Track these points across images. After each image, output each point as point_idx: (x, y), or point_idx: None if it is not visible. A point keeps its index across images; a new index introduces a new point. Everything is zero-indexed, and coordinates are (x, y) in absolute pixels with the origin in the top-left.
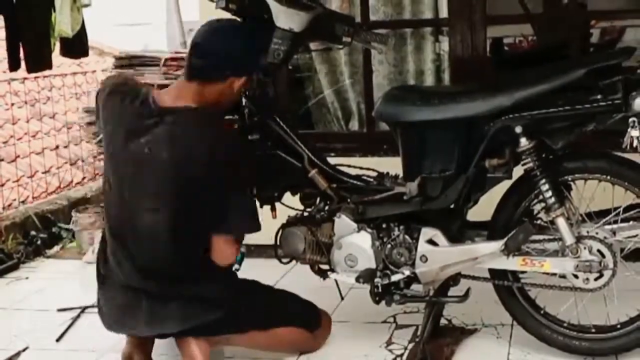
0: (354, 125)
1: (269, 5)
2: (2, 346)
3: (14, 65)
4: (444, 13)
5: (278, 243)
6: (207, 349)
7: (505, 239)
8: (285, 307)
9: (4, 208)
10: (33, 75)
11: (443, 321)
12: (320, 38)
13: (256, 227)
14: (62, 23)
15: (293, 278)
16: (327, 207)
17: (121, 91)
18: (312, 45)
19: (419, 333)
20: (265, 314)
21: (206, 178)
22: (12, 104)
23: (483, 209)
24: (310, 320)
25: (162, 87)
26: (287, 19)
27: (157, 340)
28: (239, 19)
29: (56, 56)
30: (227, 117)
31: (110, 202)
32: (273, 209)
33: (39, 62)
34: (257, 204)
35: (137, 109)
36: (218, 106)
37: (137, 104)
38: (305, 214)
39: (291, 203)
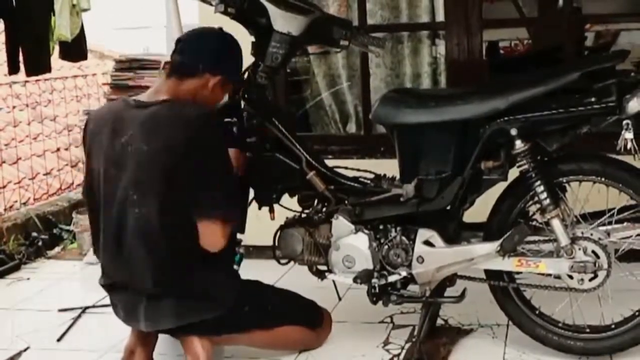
0: (352, 127)
1: (268, 9)
2: (3, 346)
3: (13, 69)
4: (440, 17)
5: (276, 244)
6: (210, 348)
7: (501, 240)
8: (288, 306)
9: (5, 210)
10: (34, 78)
11: (440, 321)
12: (318, 41)
13: (237, 208)
14: (62, 27)
15: (292, 279)
16: (324, 209)
17: (106, 109)
18: (310, 49)
19: (415, 333)
20: (268, 314)
21: (184, 164)
22: (14, 107)
23: (478, 211)
24: (312, 319)
25: None
26: (285, 23)
27: (159, 340)
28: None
29: (57, 60)
30: (225, 120)
31: (105, 213)
32: (271, 211)
33: (38, 65)
34: (255, 205)
35: (119, 112)
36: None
37: (120, 107)
38: (303, 215)
39: (289, 205)
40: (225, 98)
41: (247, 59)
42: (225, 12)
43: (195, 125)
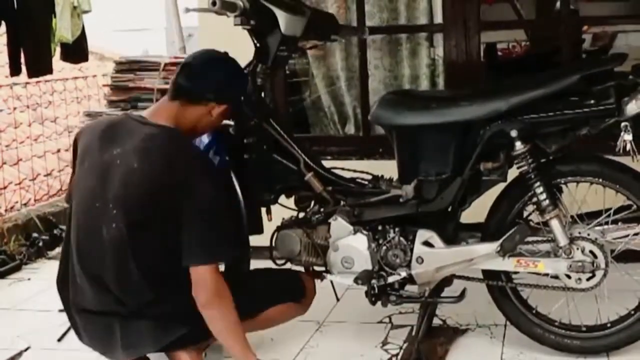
0: (350, 129)
1: (277, 15)
2: (4, 346)
3: (15, 70)
4: (438, 19)
5: (273, 245)
6: (197, 356)
7: (501, 240)
8: (269, 288)
9: (6, 210)
10: (35, 79)
11: (438, 321)
12: (313, 38)
13: (231, 252)
14: (62, 29)
15: None
16: (322, 210)
17: (105, 119)
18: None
19: (413, 333)
20: (249, 304)
21: (173, 198)
22: (15, 108)
23: (476, 211)
24: (295, 292)
25: (161, 91)
26: (291, 26)
27: None
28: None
29: (57, 61)
30: (224, 121)
31: (77, 225)
32: (268, 212)
33: (40, 67)
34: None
35: (117, 123)
36: (193, 131)
37: (119, 119)
38: (301, 216)
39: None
40: None
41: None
42: (243, 24)
43: (194, 165)
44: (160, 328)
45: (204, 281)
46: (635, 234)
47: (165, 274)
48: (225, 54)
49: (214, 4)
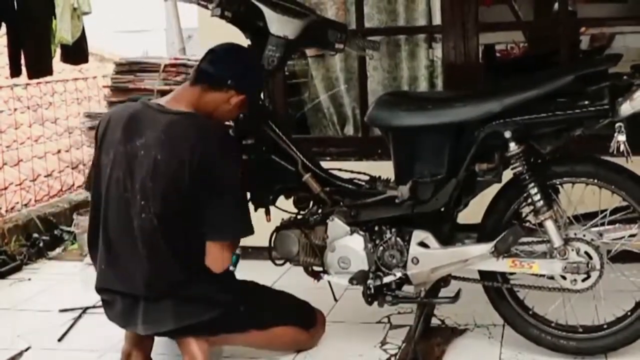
0: (349, 130)
1: (264, 13)
2: (5, 346)
3: (15, 72)
4: (437, 20)
5: (272, 245)
6: (206, 348)
7: (495, 241)
8: (282, 307)
9: (7, 211)
10: (35, 81)
11: (436, 321)
12: (313, 45)
13: (249, 231)
14: (63, 30)
15: (290, 279)
16: (320, 210)
17: (124, 107)
18: (307, 52)
19: (410, 333)
20: (263, 314)
21: (196, 180)
22: (15, 109)
23: (473, 212)
24: (306, 319)
25: (161, 92)
26: (281, 27)
27: (156, 340)
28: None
29: (58, 62)
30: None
31: (105, 215)
32: (267, 212)
33: (40, 68)
34: (252, 207)
35: (137, 113)
36: (211, 118)
37: (138, 109)
38: (299, 217)
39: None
40: None
41: None
42: (222, 16)
43: (214, 144)
44: (184, 309)
45: (220, 257)
46: (632, 235)
47: (196, 254)
48: (249, 46)
49: None
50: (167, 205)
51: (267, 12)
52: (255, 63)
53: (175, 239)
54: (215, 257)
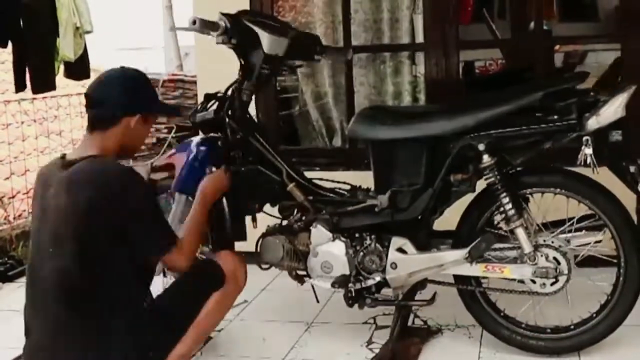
0: (337, 141)
1: (259, 35)
2: (13, 345)
3: (20, 86)
4: (420, 38)
5: (258, 250)
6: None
7: (469, 247)
8: (189, 297)
9: (14, 218)
10: (41, 95)
11: (419, 322)
12: (298, 57)
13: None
14: (66, 48)
15: (282, 282)
16: (304, 218)
17: (45, 166)
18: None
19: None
20: (179, 317)
21: (109, 218)
22: (22, 122)
23: (448, 220)
24: (216, 282)
25: None
26: (273, 46)
27: None
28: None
29: (62, 78)
30: (211, 134)
31: (32, 260)
32: (254, 220)
33: (44, 83)
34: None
35: (50, 169)
36: (126, 151)
37: (52, 165)
38: (284, 224)
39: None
40: (211, 114)
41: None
42: (227, 43)
43: (117, 182)
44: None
45: (179, 264)
46: (597, 242)
47: (99, 311)
48: (120, 67)
49: (194, 22)
50: (76, 251)
51: (261, 33)
52: (129, 79)
53: (73, 293)
54: (172, 265)
